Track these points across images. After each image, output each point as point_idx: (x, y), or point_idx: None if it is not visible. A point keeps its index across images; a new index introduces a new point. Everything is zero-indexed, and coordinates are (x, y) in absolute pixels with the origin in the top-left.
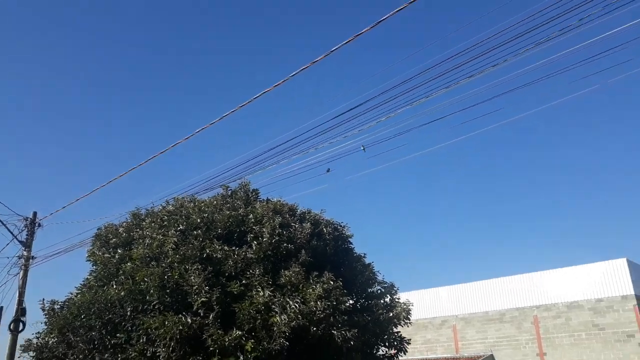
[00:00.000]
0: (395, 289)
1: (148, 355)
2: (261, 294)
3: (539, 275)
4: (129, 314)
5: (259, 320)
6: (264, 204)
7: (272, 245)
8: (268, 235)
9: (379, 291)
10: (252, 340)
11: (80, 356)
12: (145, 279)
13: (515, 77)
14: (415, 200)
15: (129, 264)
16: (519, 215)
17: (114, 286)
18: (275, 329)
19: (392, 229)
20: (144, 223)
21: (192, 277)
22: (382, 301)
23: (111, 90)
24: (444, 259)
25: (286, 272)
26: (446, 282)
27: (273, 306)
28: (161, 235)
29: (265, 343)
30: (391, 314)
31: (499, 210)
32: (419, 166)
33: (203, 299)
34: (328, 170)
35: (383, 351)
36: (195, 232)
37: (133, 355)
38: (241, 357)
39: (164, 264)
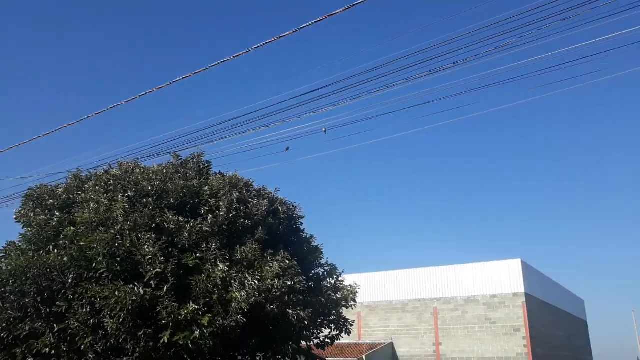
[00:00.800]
0: (339, 272)
1: (90, 325)
2: (220, 267)
3: (441, 269)
4: (70, 281)
5: (215, 295)
6: (219, 177)
7: (229, 220)
8: (225, 210)
9: (324, 273)
10: (209, 315)
11: (7, 324)
12: (93, 245)
13: (478, 78)
14: (352, 188)
15: (71, 228)
16: (429, 212)
17: (55, 251)
18: (233, 304)
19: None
20: (86, 186)
21: (145, 246)
22: (327, 283)
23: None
24: (357, 248)
25: (243, 248)
26: (355, 270)
27: (232, 281)
28: (107, 200)
29: (220, 319)
30: (338, 296)
31: (414, 206)
32: (374, 152)
33: (157, 269)
34: (287, 149)
35: (326, 332)
36: (145, 200)
37: (75, 325)
38: (196, 332)
39: (113, 231)
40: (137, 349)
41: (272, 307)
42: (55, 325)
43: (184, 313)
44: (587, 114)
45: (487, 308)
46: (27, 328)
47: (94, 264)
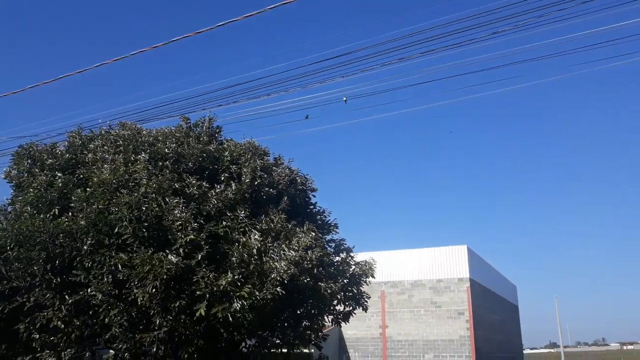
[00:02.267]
0: (351, 247)
1: (114, 296)
2: (256, 236)
3: (390, 254)
4: (86, 248)
5: (252, 265)
6: (235, 143)
7: (252, 188)
8: (250, 177)
9: (336, 248)
10: (249, 286)
11: (6, 294)
12: (114, 209)
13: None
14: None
15: (82, 189)
16: (381, 197)
17: (69, 214)
18: (273, 275)
19: None
20: (91, 145)
21: (175, 211)
22: (338, 259)
23: None
24: None
25: (272, 217)
26: None
27: (270, 252)
28: (122, 160)
29: (256, 290)
30: (357, 270)
31: (365, 190)
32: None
33: (191, 236)
34: (306, 117)
35: (340, 308)
36: (161, 163)
37: (99, 296)
38: (237, 304)
39: (136, 193)
40: (167, 323)
41: (306, 279)
42: (67, 297)
43: (223, 283)
44: (535, 112)
45: (433, 292)
46: (32, 299)
47: (117, 229)
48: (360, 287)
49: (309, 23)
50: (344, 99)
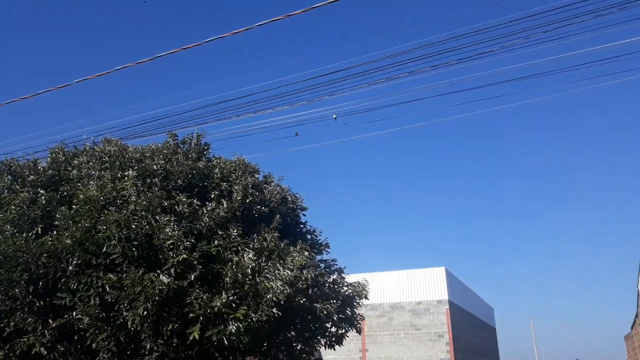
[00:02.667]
0: (343, 267)
1: (101, 319)
2: (250, 256)
3: (368, 276)
4: (71, 268)
5: (247, 286)
6: (225, 159)
7: (244, 206)
8: (242, 195)
9: (326, 269)
10: (244, 307)
11: None
12: (102, 227)
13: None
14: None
15: (73, 207)
16: (358, 218)
17: (54, 233)
18: (269, 296)
19: None
20: (74, 162)
21: (167, 229)
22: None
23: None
24: None
25: (265, 235)
26: None
27: (265, 271)
28: (110, 176)
29: (251, 312)
30: (352, 291)
31: (344, 211)
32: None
33: (183, 255)
34: (296, 134)
35: (333, 329)
36: (149, 180)
37: (85, 320)
38: (232, 326)
39: (125, 211)
40: (157, 347)
41: (302, 300)
42: (50, 321)
43: (218, 304)
44: (518, 133)
45: (412, 315)
46: (12, 324)
47: (105, 248)
48: (355, 309)
49: (298, 40)
50: (334, 116)
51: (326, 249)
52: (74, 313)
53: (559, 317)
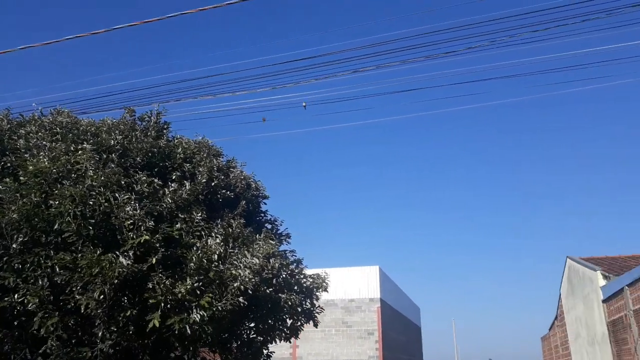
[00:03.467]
0: (301, 259)
1: (49, 303)
2: (217, 241)
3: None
4: (15, 246)
5: (212, 273)
6: (188, 140)
7: (208, 189)
8: (207, 177)
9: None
10: (210, 295)
11: None
12: (54, 202)
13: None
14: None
15: (21, 179)
16: (294, 215)
17: None
18: (236, 284)
19: None
20: (21, 131)
21: (127, 208)
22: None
23: None
24: None
25: (231, 221)
26: None
27: (233, 258)
28: (63, 148)
29: (215, 300)
30: (312, 283)
31: (278, 206)
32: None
33: (145, 237)
34: (264, 120)
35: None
36: (106, 155)
37: (35, 303)
38: (196, 315)
39: (81, 186)
40: (111, 335)
41: (269, 289)
42: None
43: (182, 291)
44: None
45: (344, 312)
46: None
47: (57, 225)
48: (314, 301)
49: (279, 20)
50: (303, 104)
51: (287, 239)
52: (16, 295)
53: (481, 319)
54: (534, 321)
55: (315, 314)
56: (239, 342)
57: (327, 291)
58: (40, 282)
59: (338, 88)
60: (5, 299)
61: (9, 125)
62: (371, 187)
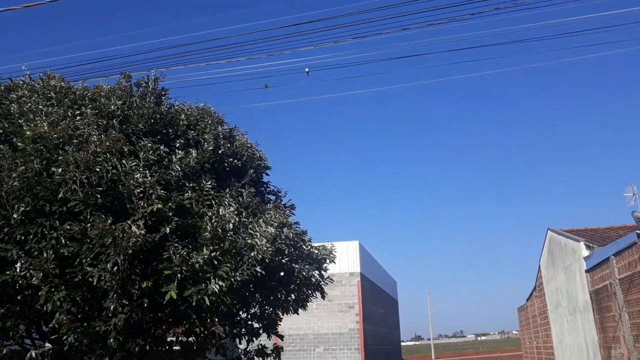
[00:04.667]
0: (305, 230)
1: (55, 276)
2: (231, 209)
3: None
4: (16, 216)
5: (227, 242)
6: (191, 106)
7: (215, 157)
8: (213, 145)
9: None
10: (228, 265)
11: None
12: (56, 170)
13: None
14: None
15: (19, 145)
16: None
17: None
18: (253, 253)
19: None
20: (12, 95)
21: (136, 175)
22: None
23: None
24: None
25: (241, 190)
26: None
27: (249, 227)
28: (61, 113)
29: (232, 270)
30: (320, 254)
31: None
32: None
33: (158, 205)
34: (266, 86)
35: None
36: (106, 122)
37: (39, 277)
38: (215, 285)
39: (85, 152)
40: (123, 309)
41: (283, 259)
42: None
43: (200, 261)
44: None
45: (325, 286)
46: None
47: (61, 194)
48: (323, 272)
49: None
50: (306, 70)
51: (291, 210)
52: (18, 269)
53: (457, 291)
54: (511, 293)
55: (323, 286)
56: (249, 314)
57: (335, 262)
58: (45, 255)
59: (339, 54)
60: (7, 272)
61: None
62: (353, 161)
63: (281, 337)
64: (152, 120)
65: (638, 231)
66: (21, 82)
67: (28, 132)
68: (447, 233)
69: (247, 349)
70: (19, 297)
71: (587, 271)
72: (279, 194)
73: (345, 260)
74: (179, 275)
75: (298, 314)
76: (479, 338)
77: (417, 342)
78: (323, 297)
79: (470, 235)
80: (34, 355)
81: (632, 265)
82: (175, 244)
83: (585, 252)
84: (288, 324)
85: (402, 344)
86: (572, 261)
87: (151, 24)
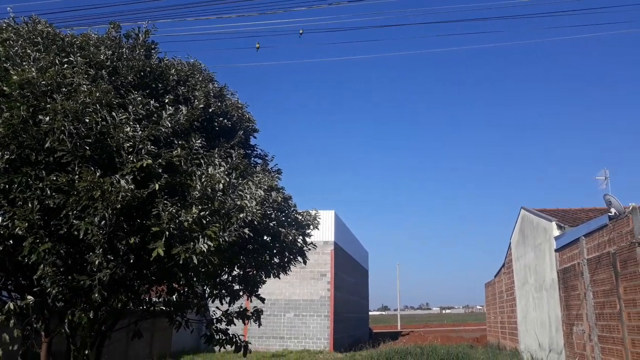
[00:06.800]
0: (290, 195)
1: (39, 227)
2: (221, 170)
3: None
4: (0, 165)
5: (217, 202)
6: (181, 61)
7: (205, 116)
8: (204, 103)
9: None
10: (217, 225)
11: None
12: (43, 118)
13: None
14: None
15: (5, 89)
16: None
17: None
18: (242, 215)
19: None
20: None
21: (127, 129)
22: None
23: None
24: None
25: (230, 151)
26: None
27: (238, 188)
28: (51, 59)
29: (220, 231)
30: (303, 220)
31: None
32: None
33: (148, 161)
34: (257, 47)
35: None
36: (95, 72)
37: (23, 227)
38: (203, 244)
39: (73, 102)
40: (108, 264)
41: (271, 223)
42: None
43: (189, 219)
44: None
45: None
46: None
47: (48, 144)
48: (306, 238)
49: None
50: (300, 32)
51: (278, 175)
52: (0, 218)
53: (427, 264)
54: (480, 269)
55: (306, 251)
56: (230, 276)
57: (318, 228)
58: (29, 205)
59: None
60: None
61: None
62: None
63: (262, 299)
64: (142, 74)
65: (609, 214)
66: (5, 25)
67: (15, 77)
68: (422, 208)
69: (228, 311)
70: (0, 248)
71: (556, 250)
72: (266, 158)
73: (321, 228)
74: (166, 233)
75: (279, 278)
76: (443, 311)
77: (383, 312)
78: (305, 263)
79: (445, 211)
80: (12, 307)
81: (602, 246)
82: (165, 201)
83: (557, 232)
84: (260, 289)
85: (370, 313)
86: (543, 240)
87: None
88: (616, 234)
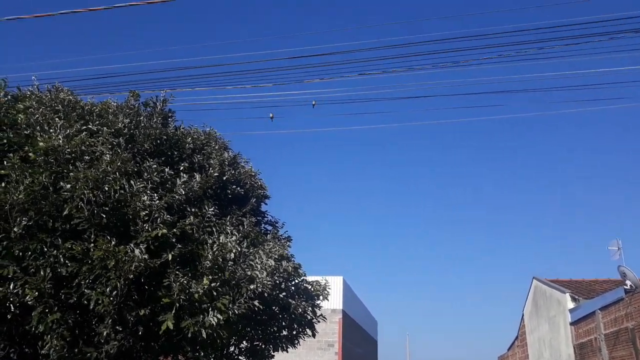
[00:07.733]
0: (299, 264)
1: (49, 296)
2: (233, 239)
3: None
4: (17, 230)
5: (227, 273)
6: (197, 129)
7: (219, 184)
8: (219, 171)
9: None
10: (227, 297)
11: None
12: (64, 185)
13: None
14: None
15: (30, 155)
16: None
17: (1, 185)
18: (252, 286)
19: None
20: (19, 105)
21: (144, 198)
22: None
23: None
24: None
25: (242, 219)
26: None
27: (249, 258)
28: (78, 127)
29: (230, 303)
30: (313, 290)
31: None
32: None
33: (163, 230)
34: (271, 117)
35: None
36: (114, 140)
37: (33, 295)
38: (213, 318)
39: (95, 170)
40: (116, 335)
41: (281, 294)
42: None
43: (200, 291)
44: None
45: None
46: None
47: (67, 211)
48: (316, 309)
49: (291, 14)
50: (313, 102)
51: (288, 242)
52: (11, 286)
53: (438, 335)
54: (493, 341)
55: (315, 323)
56: (239, 349)
57: (328, 299)
58: (42, 273)
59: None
60: (0, 289)
61: (6, 98)
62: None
63: None
64: (158, 141)
65: (625, 286)
66: (29, 93)
67: (41, 144)
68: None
69: None
70: (9, 317)
71: (571, 324)
72: (276, 225)
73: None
74: (176, 305)
75: (287, 352)
76: None
77: None
78: (314, 336)
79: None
80: None
81: (619, 321)
82: (176, 272)
83: (571, 304)
84: None
85: None
86: (557, 312)
87: (160, 43)
88: (633, 308)
